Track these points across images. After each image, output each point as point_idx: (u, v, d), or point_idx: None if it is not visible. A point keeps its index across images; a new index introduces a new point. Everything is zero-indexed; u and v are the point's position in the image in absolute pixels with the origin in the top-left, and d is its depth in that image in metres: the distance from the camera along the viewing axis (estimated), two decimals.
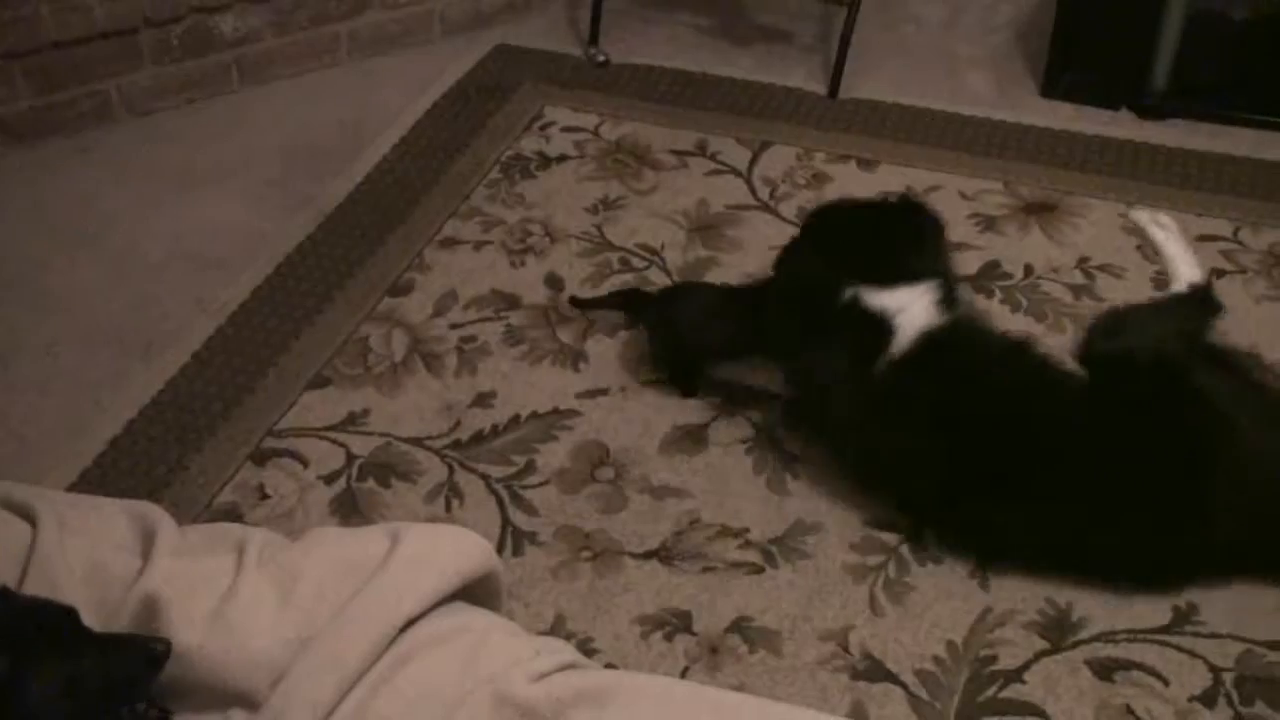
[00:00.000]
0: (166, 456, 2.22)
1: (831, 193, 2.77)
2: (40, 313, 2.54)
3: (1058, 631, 1.92)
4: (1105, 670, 1.87)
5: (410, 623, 1.27)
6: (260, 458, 2.22)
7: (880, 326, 2.04)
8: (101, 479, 2.18)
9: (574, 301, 2.48)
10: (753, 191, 2.79)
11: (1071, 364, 2.10)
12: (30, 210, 2.80)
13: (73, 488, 2.14)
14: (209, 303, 2.54)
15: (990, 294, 2.51)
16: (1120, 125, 2.98)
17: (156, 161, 2.93)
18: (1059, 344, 2.27)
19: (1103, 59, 3.01)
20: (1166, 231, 2.47)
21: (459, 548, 1.36)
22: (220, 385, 2.36)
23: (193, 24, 3.02)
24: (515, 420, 2.29)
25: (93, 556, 1.28)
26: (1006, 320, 2.42)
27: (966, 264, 2.56)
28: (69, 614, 1.14)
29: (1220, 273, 2.52)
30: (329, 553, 1.32)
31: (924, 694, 1.85)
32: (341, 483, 2.18)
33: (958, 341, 2.05)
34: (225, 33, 3.07)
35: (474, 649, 1.27)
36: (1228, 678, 1.86)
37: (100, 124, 3.01)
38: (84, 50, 2.92)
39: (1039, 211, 2.72)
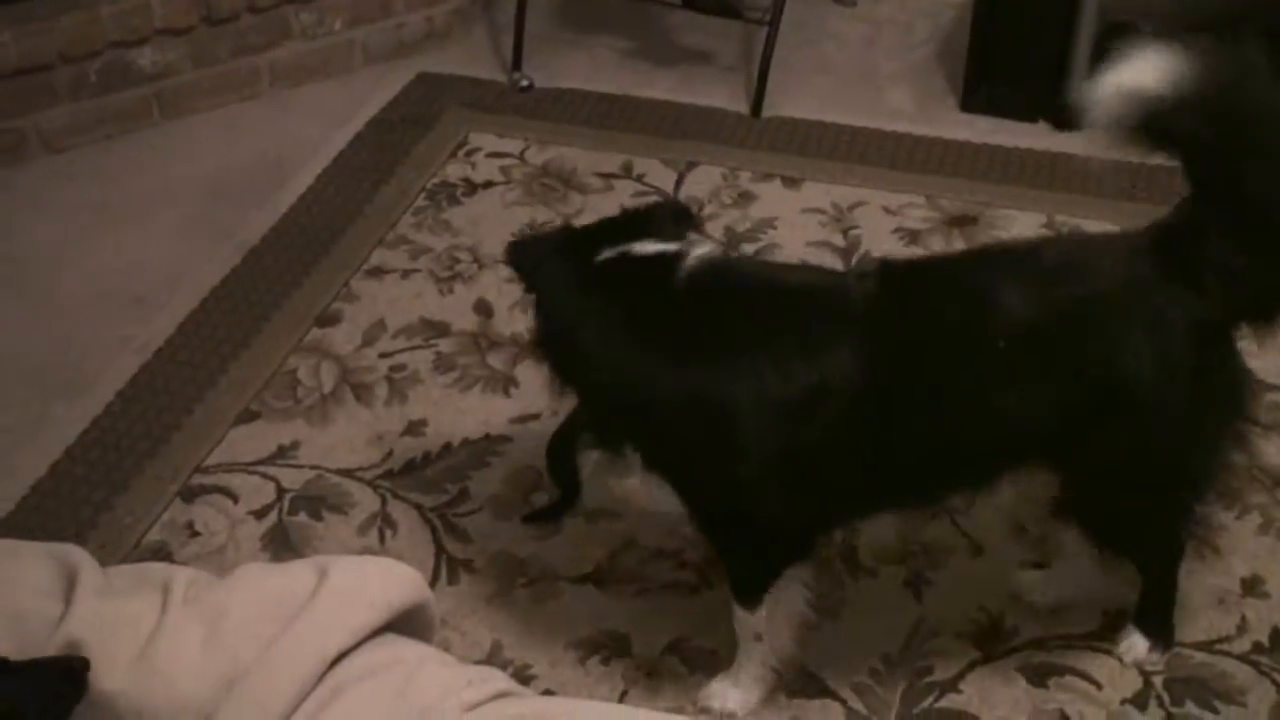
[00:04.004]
0: (93, 497, 2.19)
1: (757, 211, 2.79)
2: None
3: (991, 640, 1.94)
4: (1039, 676, 1.89)
5: (340, 657, 1.26)
6: (189, 495, 2.20)
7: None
8: (26, 522, 2.14)
9: None
10: None
11: None
12: None
13: None
14: (133, 340, 2.51)
15: None
16: (1038, 137, 3.02)
17: (75, 198, 2.89)
18: None
19: (1019, 72, 3.06)
20: None
21: (388, 579, 1.34)
22: (147, 423, 2.33)
23: (110, 59, 2.99)
24: (447, 448, 2.27)
25: (12, 603, 1.25)
26: None
27: None
28: None
29: None
30: (256, 590, 1.30)
31: (861, 708, 1.86)
32: (273, 517, 2.16)
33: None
34: (144, 67, 3.04)
35: (405, 681, 1.25)
36: (1158, 680, 1.88)
37: (17, 162, 2.96)
38: None
39: (962, 224, 2.75)
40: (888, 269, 1.79)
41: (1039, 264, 1.76)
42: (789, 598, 1.81)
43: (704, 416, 1.68)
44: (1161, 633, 1.91)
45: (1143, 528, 1.86)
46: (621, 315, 1.72)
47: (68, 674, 1.13)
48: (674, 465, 1.74)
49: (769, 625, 1.82)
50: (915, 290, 1.75)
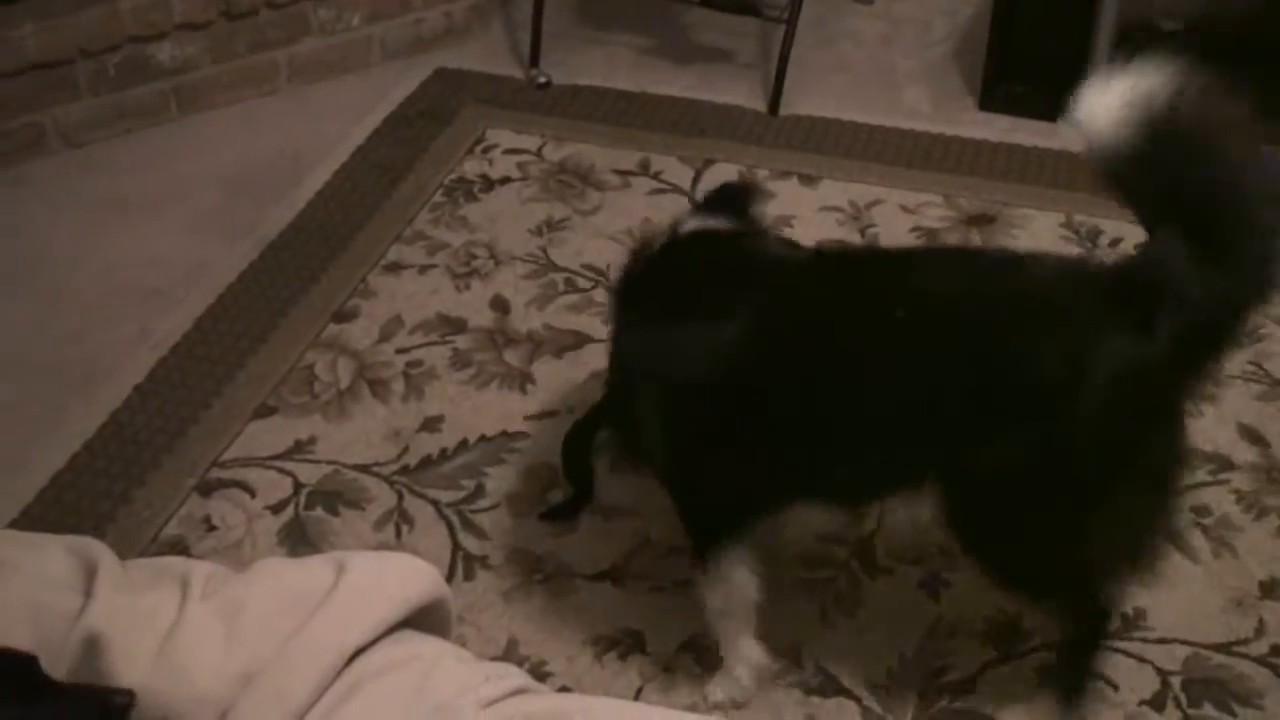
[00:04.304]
0: (111, 490, 2.20)
1: (775, 209, 2.78)
2: None
3: (1008, 640, 1.94)
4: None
5: (359, 652, 1.26)
6: (206, 489, 2.20)
7: None
8: (44, 515, 2.15)
9: None
10: None
11: None
12: None
13: (15, 524, 2.11)
14: (150, 334, 2.51)
15: None
16: (1057, 136, 2.98)
17: (93, 192, 2.90)
18: None
19: (1038, 71, 3.05)
20: None
21: (406, 575, 1.34)
22: (164, 417, 2.34)
23: (129, 53, 3.00)
24: (463, 444, 2.28)
25: (32, 596, 1.26)
26: None
27: None
28: (28, 661, 1.11)
29: None
30: (274, 585, 1.30)
31: (877, 707, 1.85)
32: (289, 512, 2.16)
33: None
34: (163, 61, 3.05)
35: (422, 677, 1.25)
36: (1175, 681, 1.88)
37: (35, 155, 2.97)
38: (17, 82, 2.88)
39: (980, 223, 2.74)
40: (821, 254, 1.83)
41: (974, 265, 1.72)
42: (739, 580, 1.81)
43: (624, 376, 1.84)
44: (1070, 695, 1.82)
45: (1037, 573, 1.74)
46: (623, 296, 1.89)
47: (108, 708, 1.12)
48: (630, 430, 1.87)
49: (724, 606, 1.83)
50: (838, 271, 1.76)
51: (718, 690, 1.89)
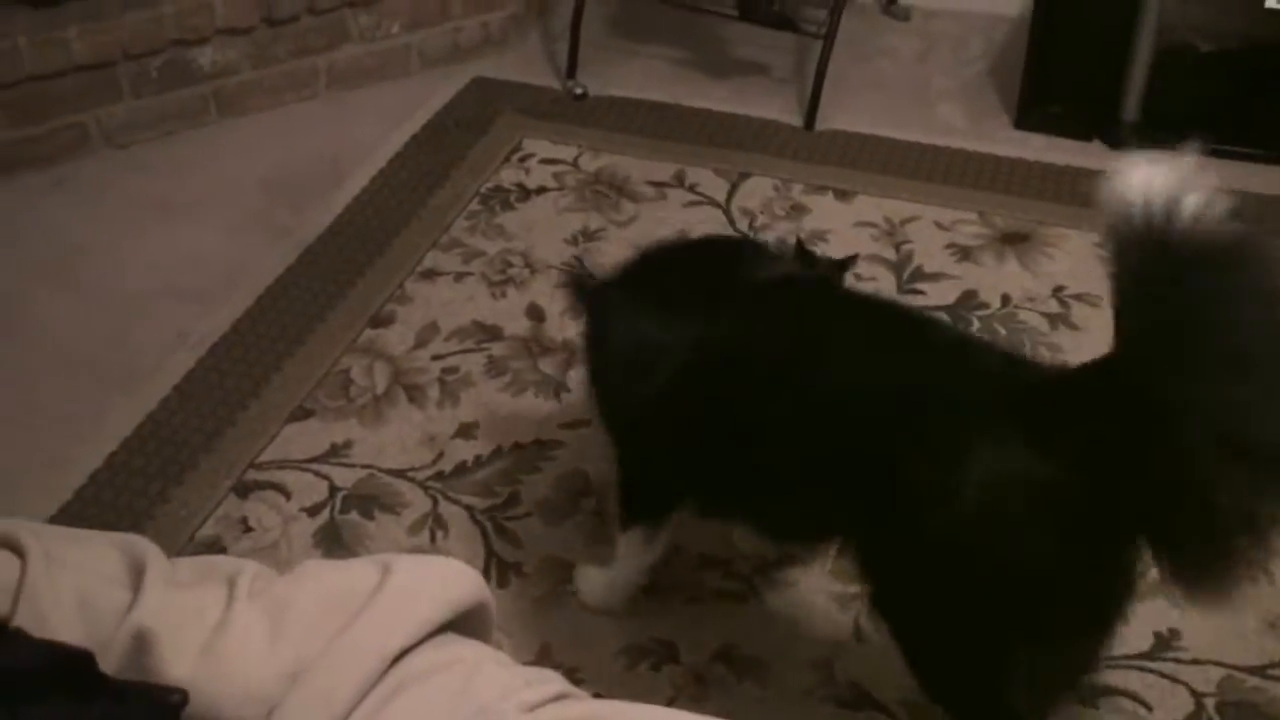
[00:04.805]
0: (148, 489, 2.21)
1: (810, 223, 2.79)
2: (17, 346, 2.53)
3: None
4: (1089, 697, 1.88)
5: (402, 654, 1.27)
6: (243, 490, 2.22)
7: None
8: (82, 512, 2.17)
9: None
10: (731, 222, 2.81)
11: None
12: (5, 243, 2.79)
13: (52, 521, 2.13)
14: (189, 335, 2.53)
15: (968, 323, 2.53)
16: (1092, 156, 3.01)
17: (134, 193, 2.93)
18: None
19: (1074, 91, 3.06)
20: None
21: (450, 579, 1.35)
22: (201, 417, 2.36)
23: (171, 57, 3.03)
24: (498, 451, 2.29)
25: (82, 590, 1.27)
26: None
27: (944, 293, 2.59)
28: (84, 659, 1.12)
29: None
30: (320, 585, 1.31)
31: None
32: (325, 515, 2.18)
33: None
34: (204, 65, 3.08)
35: (465, 681, 1.26)
36: (1210, 703, 1.87)
37: (77, 156, 3.00)
38: (62, 83, 2.92)
39: (1014, 241, 2.74)
40: (791, 281, 1.85)
41: (922, 343, 1.66)
42: (649, 551, 1.95)
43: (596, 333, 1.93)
44: None
45: (930, 666, 1.67)
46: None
47: (163, 706, 1.13)
48: None
49: (621, 566, 1.97)
50: (811, 309, 1.78)
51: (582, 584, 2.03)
